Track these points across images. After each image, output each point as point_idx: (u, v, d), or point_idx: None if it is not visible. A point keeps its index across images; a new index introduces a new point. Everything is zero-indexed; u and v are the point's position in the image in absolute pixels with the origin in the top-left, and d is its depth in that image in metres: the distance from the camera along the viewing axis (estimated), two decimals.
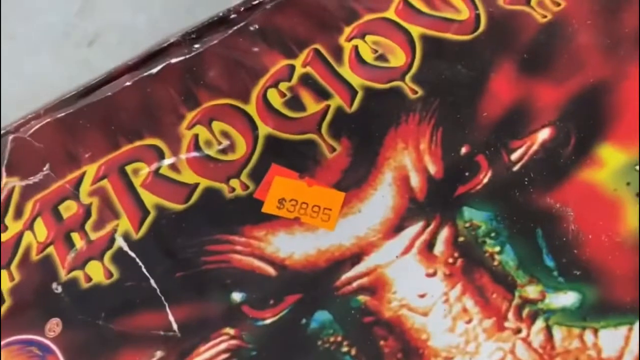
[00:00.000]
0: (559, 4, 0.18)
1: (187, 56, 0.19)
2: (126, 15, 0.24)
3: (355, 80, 0.18)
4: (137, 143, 0.17)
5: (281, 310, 0.15)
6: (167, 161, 0.17)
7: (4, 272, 0.16)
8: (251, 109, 0.18)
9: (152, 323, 0.15)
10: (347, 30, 0.19)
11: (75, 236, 0.16)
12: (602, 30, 0.18)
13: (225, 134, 0.17)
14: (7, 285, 0.16)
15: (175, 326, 0.15)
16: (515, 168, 0.16)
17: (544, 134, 0.16)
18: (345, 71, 0.18)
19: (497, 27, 0.18)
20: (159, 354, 0.14)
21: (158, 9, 0.24)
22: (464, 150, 0.16)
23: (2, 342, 0.15)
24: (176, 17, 0.22)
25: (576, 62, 0.17)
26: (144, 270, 0.15)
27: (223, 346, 0.14)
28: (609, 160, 0.16)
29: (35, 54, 0.24)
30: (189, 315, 0.15)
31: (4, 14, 0.25)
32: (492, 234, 0.15)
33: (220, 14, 0.20)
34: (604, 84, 0.17)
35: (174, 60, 0.19)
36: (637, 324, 0.13)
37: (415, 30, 0.19)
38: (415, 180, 0.16)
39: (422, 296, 0.14)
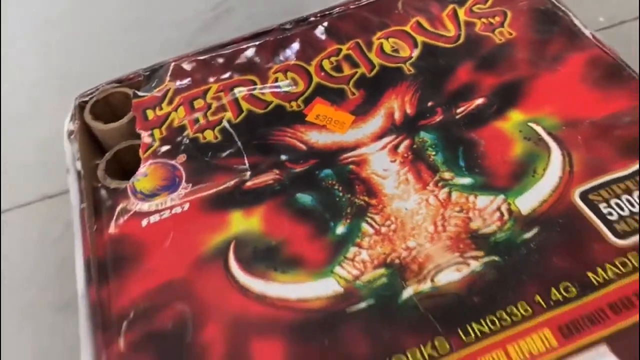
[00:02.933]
0: (511, 34, 0.30)
1: (280, 36, 0.31)
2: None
3: (376, 60, 0.30)
4: (243, 77, 0.30)
5: (305, 166, 0.26)
6: (258, 88, 0.29)
7: (157, 130, 0.28)
8: (311, 68, 0.30)
9: (236, 164, 0.26)
10: (379, 34, 0.31)
11: (200, 117, 0.28)
12: (533, 52, 0.29)
13: (293, 79, 0.29)
14: (158, 135, 0.28)
15: (248, 166, 0.26)
16: (457, 117, 0.27)
17: (479, 101, 0.27)
18: (372, 55, 0.30)
19: (470, 42, 0.30)
20: (246, 174, 0.26)
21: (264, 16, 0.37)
22: (430, 103, 0.27)
23: (154, 161, 0.27)
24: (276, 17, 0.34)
25: (511, 66, 0.28)
26: (235, 138, 0.27)
27: (271, 177, 0.26)
28: (513, 118, 0.26)
29: None
30: (256, 162, 0.26)
31: None
32: (433, 146, 0.26)
33: (304, 16, 0.32)
34: (523, 79, 0.27)
35: (271, 38, 0.31)
36: (501, 196, 0.23)
37: (420, 39, 0.30)
38: (397, 115, 0.27)
39: (385, 170, 0.25)
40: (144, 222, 0.25)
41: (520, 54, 0.29)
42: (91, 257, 0.24)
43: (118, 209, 0.26)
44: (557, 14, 0.30)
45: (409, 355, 0.20)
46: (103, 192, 0.26)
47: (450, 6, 0.31)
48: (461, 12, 0.31)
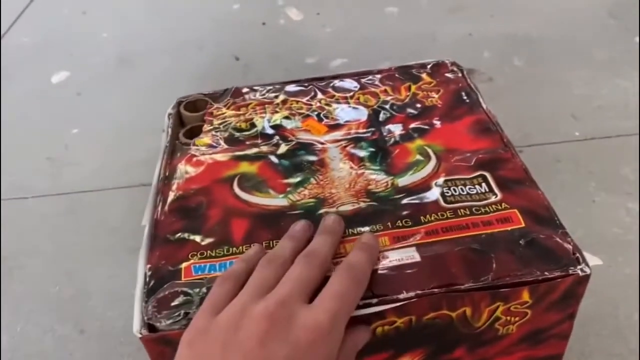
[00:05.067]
0: (437, 102, 0.48)
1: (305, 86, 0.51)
2: None
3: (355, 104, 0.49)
4: (271, 103, 0.50)
5: (292, 147, 0.44)
6: (279, 111, 0.49)
7: (215, 119, 0.48)
8: (313, 103, 0.49)
9: (253, 140, 0.46)
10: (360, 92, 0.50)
11: (242, 116, 0.48)
12: (445, 113, 0.46)
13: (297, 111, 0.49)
14: (215, 122, 0.48)
15: (259, 142, 0.45)
16: (386, 138, 0.45)
17: (401, 132, 0.45)
18: (354, 102, 0.49)
19: (411, 102, 0.48)
20: (258, 146, 0.45)
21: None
22: (373, 129, 0.46)
23: (208, 134, 0.47)
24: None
25: (429, 118, 0.46)
26: (257, 128, 0.47)
27: (270, 149, 0.45)
28: (417, 143, 0.44)
29: None
30: (264, 141, 0.45)
31: None
32: (366, 150, 0.44)
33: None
34: (432, 124, 0.45)
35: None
36: (391, 176, 0.41)
37: (382, 97, 0.49)
38: (352, 131, 0.46)
39: (334, 156, 0.43)
40: (194, 159, 0.44)
41: (437, 112, 0.47)
42: (161, 174, 0.43)
43: (185, 152, 0.45)
44: (471, 94, 0.48)
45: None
46: (178, 144, 0.46)
47: (408, 83, 0.51)
48: (413, 87, 0.50)
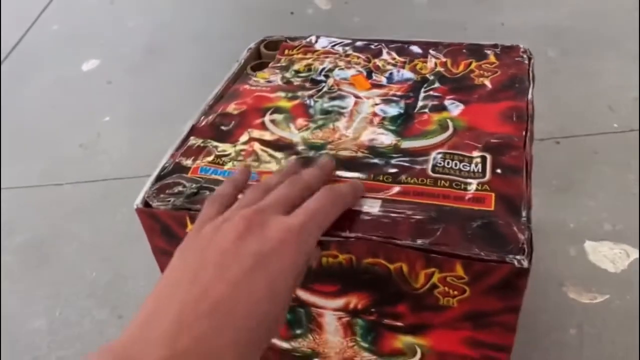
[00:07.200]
0: (487, 84, 0.47)
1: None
2: None
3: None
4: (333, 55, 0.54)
5: (327, 96, 0.49)
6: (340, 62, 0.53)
7: (283, 58, 0.54)
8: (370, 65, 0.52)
9: (302, 83, 0.51)
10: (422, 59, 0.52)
11: (305, 61, 0.53)
12: (490, 94, 0.46)
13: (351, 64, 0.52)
14: (283, 62, 0.54)
15: (307, 85, 0.50)
16: (417, 105, 0.46)
17: (435, 102, 0.46)
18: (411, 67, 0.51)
19: (462, 78, 0.48)
20: (305, 90, 0.50)
21: None
22: (411, 94, 0.47)
23: (271, 70, 0.53)
24: None
25: (469, 95, 0.46)
26: (313, 73, 0.52)
27: (308, 93, 0.49)
28: (443, 115, 0.45)
29: None
30: (307, 86, 0.50)
31: None
32: (392, 112, 0.46)
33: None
34: (468, 101, 0.46)
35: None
36: (399, 138, 0.43)
37: (438, 69, 0.50)
38: (391, 92, 0.48)
39: (362, 113, 0.47)
40: (248, 87, 0.51)
41: (481, 92, 0.47)
42: (218, 93, 0.51)
43: (245, 80, 0.52)
44: (524, 81, 0.47)
45: None
46: (245, 73, 0.53)
47: (470, 59, 0.51)
48: (474, 64, 0.50)
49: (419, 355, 0.42)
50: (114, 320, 0.61)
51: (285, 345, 0.46)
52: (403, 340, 0.41)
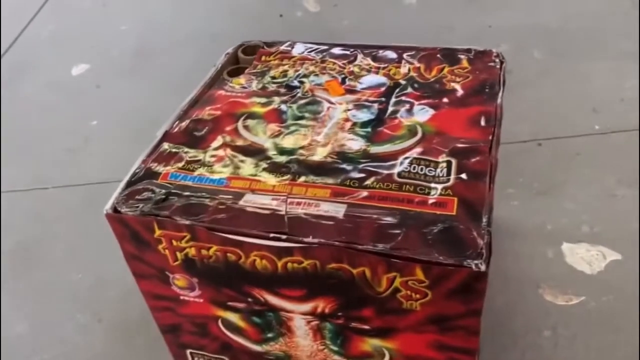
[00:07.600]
0: (457, 90, 0.48)
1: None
2: None
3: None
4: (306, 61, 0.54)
5: (299, 101, 0.49)
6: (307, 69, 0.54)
7: (259, 64, 0.55)
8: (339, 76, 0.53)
9: (276, 90, 0.51)
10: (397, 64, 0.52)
11: (283, 67, 0.54)
12: (459, 99, 0.47)
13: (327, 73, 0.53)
14: (259, 67, 0.54)
15: (283, 92, 0.51)
16: (386, 110, 0.47)
17: (406, 107, 0.47)
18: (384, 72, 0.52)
19: (434, 82, 0.49)
20: (280, 95, 0.50)
21: None
22: (383, 99, 0.48)
23: (247, 76, 0.53)
24: None
25: (439, 98, 0.47)
26: (290, 77, 0.52)
27: (281, 99, 0.50)
28: (413, 120, 0.45)
29: None
30: (284, 92, 0.51)
31: None
32: (361, 115, 0.46)
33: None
34: (436, 105, 0.46)
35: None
36: (368, 143, 0.43)
37: (411, 74, 0.51)
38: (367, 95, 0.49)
39: (335, 115, 0.47)
40: (223, 92, 0.51)
41: (451, 97, 0.47)
42: (193, 98, 0.51)
43: (221, 86, 0.53)
44: (494, 87, 0.47)
45: None
46: (221, 78, 0.54)
47: (444, 65, 0.51)
48: (446, 69, 0.51)
49: (387, 358, 0.42)
50: (94, 325, 0.62)
51: (257, 348, 0.46)
52: (371, 344, 0.41)
